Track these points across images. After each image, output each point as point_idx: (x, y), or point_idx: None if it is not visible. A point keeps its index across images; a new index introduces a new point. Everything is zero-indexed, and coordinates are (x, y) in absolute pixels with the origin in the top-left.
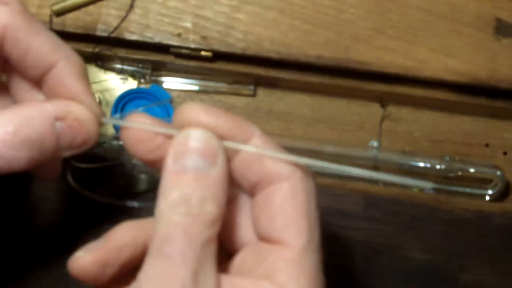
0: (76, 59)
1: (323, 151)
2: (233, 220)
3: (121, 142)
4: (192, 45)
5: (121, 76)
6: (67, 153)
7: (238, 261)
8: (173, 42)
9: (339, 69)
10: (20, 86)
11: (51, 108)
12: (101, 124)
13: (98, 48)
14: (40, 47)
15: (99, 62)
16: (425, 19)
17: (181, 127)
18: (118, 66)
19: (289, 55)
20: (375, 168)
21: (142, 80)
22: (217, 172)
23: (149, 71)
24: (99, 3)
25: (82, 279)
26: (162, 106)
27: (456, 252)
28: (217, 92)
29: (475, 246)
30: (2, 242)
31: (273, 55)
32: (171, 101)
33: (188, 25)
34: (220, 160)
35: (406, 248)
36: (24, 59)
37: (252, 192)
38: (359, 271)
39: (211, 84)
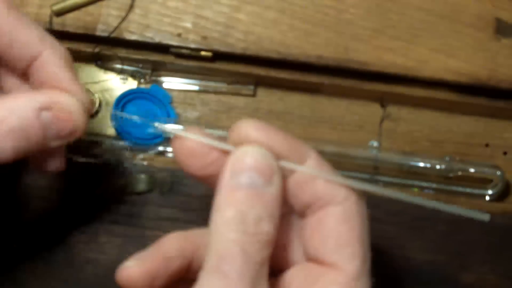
0: (61, 49)
1: (323, 151)
2: (282, 239)
3: (121, 142)
4: (192, 45)
5: (121, 76)
6: (54, 144)
7: (287, 280)
8: (173, 42)
9: (339, 69)
10: (6, 79)
11: (37, 98)
12: (88, 114)
13: (98, 48)
14: (25, 37)
15: (99, 62)
16: (425, 19)
17: (237, 143)
18: (118, 66)
19: (289, 55)
20: (375, 168)
21: (142, 80)
22: (273, 191)
23: (149, 71)
24: (99, 3)
25: None
26: (162, 106)
27: (457, 252)
28: (217, 92)
29: (476, 246)
30: (2, 242)
31: (273, 55)
32: (171, 101)
33: (188, 25)
34: (277, 179)
35: (407, 248)
36: (10, 50)
37: (303, 213)
38: None
39: (211, 84)
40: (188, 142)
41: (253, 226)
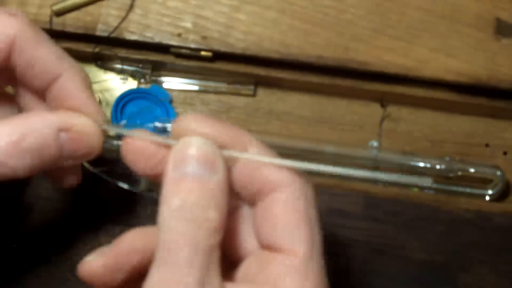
0: (81, 70)
1: (323, 151)
2: (236, 230)
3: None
4: (192, 45)
5: (121, 76)
6: (68, 163)
7: (242, 269)
8: (173, 42)
9: (339, 69)
10: (26, 98)
11: (56, 119)
12: (105, 136)
13: (98, 48)
14: (46, 58)
15: (99, 62)
16: (425, 19)
17: (179, 137)
18: (118, 66)
19: (289, 55)
20: (376, 168)
21: (142, 80)
22: (218, 179)
23: (149, 71)
24: (99, 3)
25: (91, 283)
26: (162, 106)
27: (456, 252)
28: (217, 92)
29: (475, 246)
30: (2, 242)
31: (273, 55)
32: (171, 101)
33: (188, 25)
34: (220, 167)
35: (406, 248)
36: (31, 70)
37: (252, 202)
38: (359, 271)
39: (211, 84)
40: (136, 142)
41: (199, 214)
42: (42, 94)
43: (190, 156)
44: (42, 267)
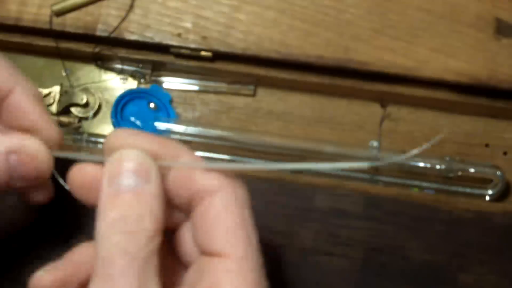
0: (32, 85)
1: (323, 151)
2: (182, 239)
3: None
4: (192, 45)
5: (121, 76)
6: (19, 185)
7: (187, 277)
8: (173, 42)
9: (339, 69)
10: None
11: (5, 141)
12: (60, 146)
13: (98, 48)
14: None
15: (99, 62)
16: (425, 19)
17: (112, 152)
18: (118, 66)
19: (289, 55)
20: (375, 168)
21: (142, 80)
22: (152, 187)
23: (149, 71)
24: (99, 3)
25: None
26: (162, 106)
27: (456, 252)
28: (217, 92)
29: (475, 246)
30: (2, 242)
31: (273, 55)
32: (171, 101)
33: (188, 25)
34: (154, 176)
35: (406, 248)
36: None
37: (188, 210)
38: (359, 271)
39: (211, 84)
40: (76, 176)
41: (134, 225)
42: None
43: (124, 168)
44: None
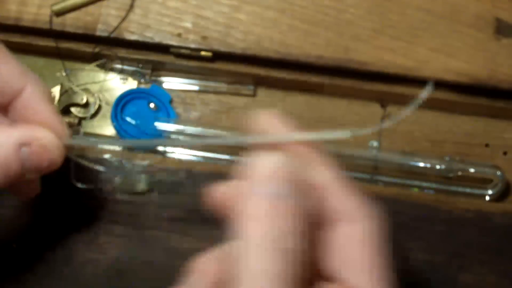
0: (42, 84)
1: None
2: None
3: (120, 147)
4: (192, 45)
5: (121, 76)
6: (31, 176)
7: None
8: (173, 42)
9: (339, 69)
10: None
11: (17, 134)
12: (66, 148)
13: (98, 48)
14: (8, 74)
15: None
16: (425, 19)
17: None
18: (118, 66)
19: (289, 55)
20: (375, 168)
21: (142, 80)
22: (302, 201)
23: (149, 71)
24: (99, 3)
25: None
26: (162, 106)
27: (456, 252)
28: (217, 92)
29: (475, 246)
30: (2, 242)
31: (273, 55)
32: (171, 101)
33: (188, 25)
34: (304, 189)
35: (406, 248)
36: None
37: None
38: None
39: (211, 84)
40: (215, 193)
41: (286, 243)
42: (4, 109)
43: (270, 177)
44: (42, 267)
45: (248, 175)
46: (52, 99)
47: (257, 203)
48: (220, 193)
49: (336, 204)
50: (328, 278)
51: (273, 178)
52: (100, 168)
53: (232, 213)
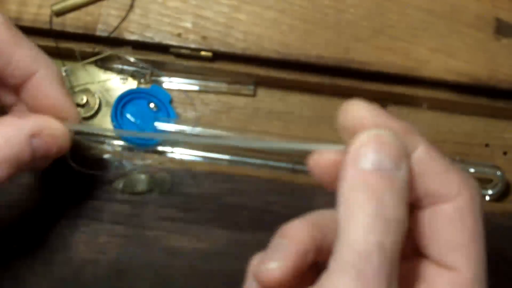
0: (54, 67)
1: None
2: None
3: (121, 142)
4: (192, 45)
5: (121, 76)
6: (40, 164)
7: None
8: (173, 42)
9: (339, 69)
10: (2, 95)
11: (27, 125)
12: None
13: (98, 48)
14: (22, 57)
15: (99, 62)
16: (425, 19)
17: (352, 126)
18: (118, 66)
19: (289, 55)
20: None
21: (142, 80)
22: (404, 175)
23: (149, 71)
24: (99, 3)
25: None
26: (162, 106)
27: None
28: (217, 92)
29: None
30: (2, 242)
31: (273, 55)
32: (171, 101)
33: (188, 25)
34: (405, 163)
35: None
36: (6, 69)
37: (411, 207)
38: None
39: (211, 84)
40: (321, 158)
41: (389, 213)
42: (16, 90)
43: (376, 149)
44: (42, 267)
45: (356, 145)
46: (63, 81)
47: (364, 173)
48: (325, 159)
49: (432, 186)
50: (423, 255)
51: (381, 150)
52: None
53: (336, 181)
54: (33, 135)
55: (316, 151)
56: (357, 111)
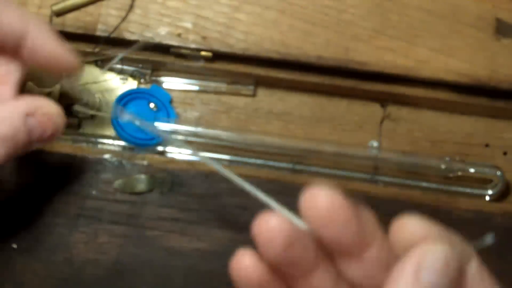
0: (43, 23)
1: (323, 151)
2: None
3: (121, 142)
4: (192, 45)
5: (121, 76)
6: (37, 145)
7: None
8: (173, 42)
9: (339, 69)
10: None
11: (22, 105)
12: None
13: (98, 48)
14: (9, 21)
15: (99, 62)
16: (425, 19)
17: (404, 243)
18: (118, 66)
19: (289, 55)
20: (375, 168)
21: (142, 80)
22: None
23: (149, 71)
24: (99, 3)
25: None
26: (162, 106)
27: None
28: (217, 92)
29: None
30: (2, 242)
31: (273, 55)
32: (171, 101)
33: (188, 25)
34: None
35: None
36: None
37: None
38: None
39: (211, 84)
40: (270, 221)
41: None
42: (15, 53)
43: (437, 267)
44: (42, 267)
45: (420, 254)
46: (55, 32)
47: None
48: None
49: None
50: None
51: (440, 270)
52: None
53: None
54: (28, 114)
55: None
56: (413, 226)
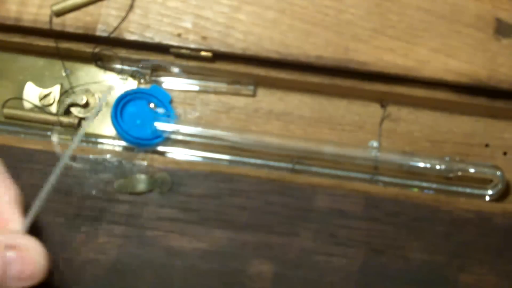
0: (13, 187)
1: (323, 151)
2: None
3: (121, 142)
4: (192, 45)
5: (121, 76)
6: (14, 284)
7: None
8: (173, 42)
9: (339, 69)
10: None
11: (3, 237)
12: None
13: (98, 48)
14: None
15: (99, 62)
16: (425, 19)
17: None
18: (118, 66)
19: (289, 55)
20: (375, 168)
21: (142, 80)
22: None
23: (149, 71)
24: (99, 3)
25: None
26: (162, 106)
27: (456, 253)
28: (217, 92)
29: (475, 247)
30: None
31: (273, 55)
32: (171, 101)
33: (188, 25)
34: None
35: (406, 248)
36: None
37: None
38: (359, 271)
39: (211, 84)
40: None
41: None
42: None
43: None
44: None
45: None
46: (21, 201)
47: None
48: None
49: None
50: None
51: None
52: None
53: None
54: (8, 247)
55: None
56: None
